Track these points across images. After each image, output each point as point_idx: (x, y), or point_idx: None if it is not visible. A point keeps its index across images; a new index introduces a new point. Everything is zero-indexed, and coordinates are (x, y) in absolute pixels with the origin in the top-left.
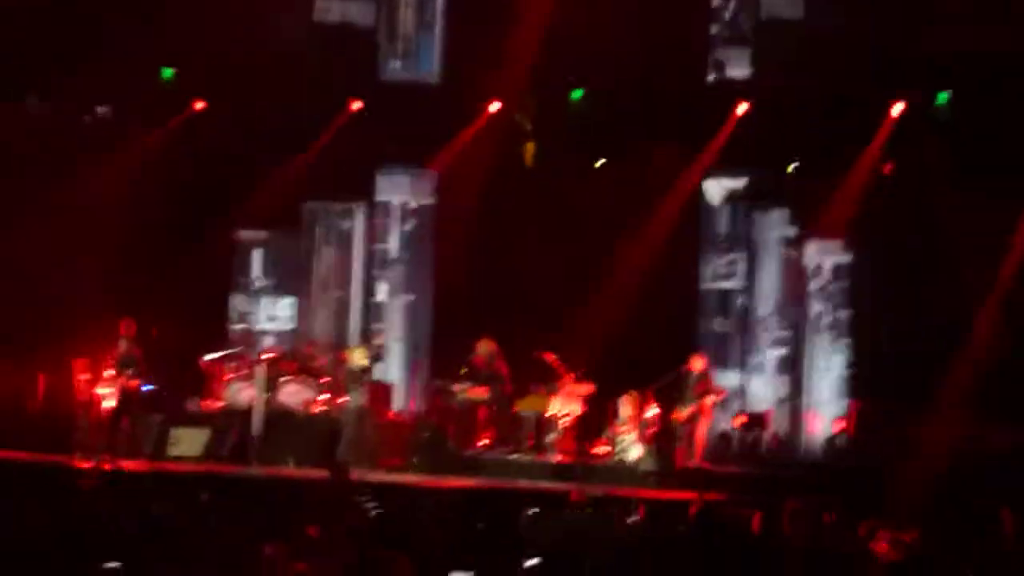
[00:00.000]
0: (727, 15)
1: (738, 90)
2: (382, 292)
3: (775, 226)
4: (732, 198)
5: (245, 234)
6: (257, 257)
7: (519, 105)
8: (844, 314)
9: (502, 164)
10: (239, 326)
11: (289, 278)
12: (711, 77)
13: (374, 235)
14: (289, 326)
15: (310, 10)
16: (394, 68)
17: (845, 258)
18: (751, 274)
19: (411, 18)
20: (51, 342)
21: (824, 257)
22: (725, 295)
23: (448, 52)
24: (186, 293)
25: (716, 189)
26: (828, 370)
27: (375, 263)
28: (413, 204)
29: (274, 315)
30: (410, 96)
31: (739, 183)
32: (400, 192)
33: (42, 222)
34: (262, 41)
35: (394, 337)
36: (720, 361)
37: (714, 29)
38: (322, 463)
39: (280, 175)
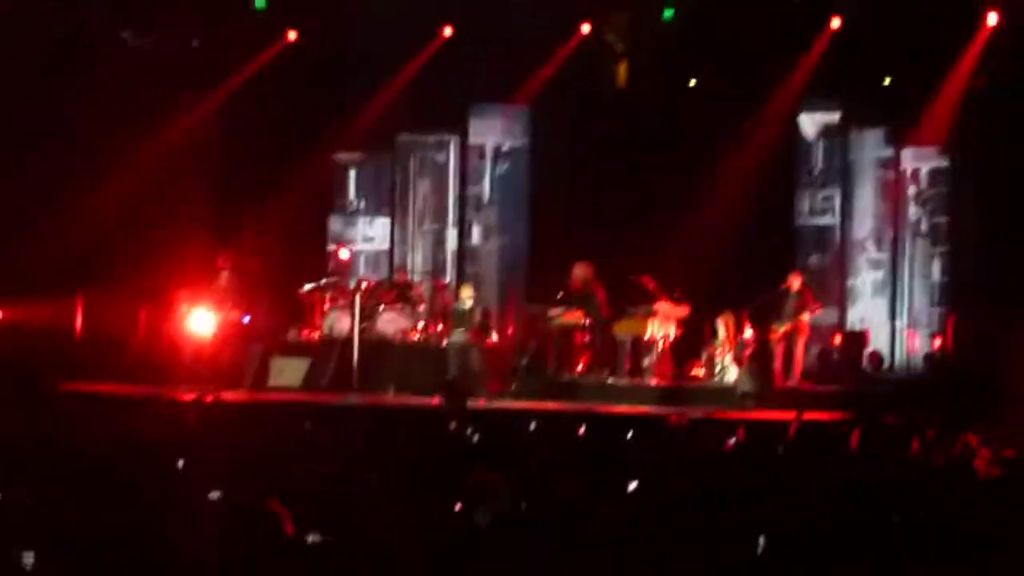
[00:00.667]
0: None
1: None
2: (476, 234)
3: (871, 147)
4: (827, 133)
5: (341, 156)
6: (352, 179)
7: (610, 25)
8: (941, 220)
9: (594, 86)
10: (336, 247)
11: (384, 201)
12: None
13: (467, 177)
14: (384, 246)
15: None
16: None
17: (942, 163)
18: (846, 204)
19: None
20: (152, 275)
21: (921, 163)
22: (821, 230)
23: None
24: (283, 221)
25: (810, 124)
26: (926, 280)
27: (469, 205)
28: (506, 146)
29: (370, 236)
30: (500, 16)
31: (833, 116)
32: (493, 133)
33: (139, 156)
34: None
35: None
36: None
37: None
38: (437, 390)
39: (374, 104)
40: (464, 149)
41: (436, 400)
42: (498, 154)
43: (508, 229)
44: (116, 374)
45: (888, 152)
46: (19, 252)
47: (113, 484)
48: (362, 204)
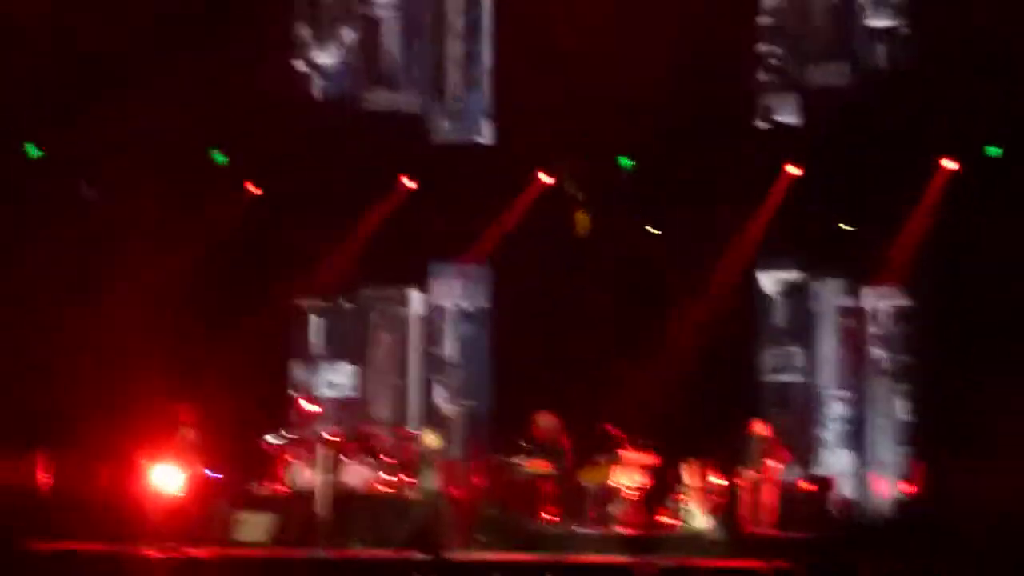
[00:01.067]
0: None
1: (787, 141)
2: (440, 392)
3: (831, 296)
4: (787, 291)
5: (302, 302)
6: (314, 325)
7: (569, 173)
8: (904, 359)
9: (554, 234)
10: (298, 395)
11: (347, 348)
12: (759, 123)
13: (431, 337)
14: (348, 393)
15: (358, 101)
16: (444, 130)
17: (903, 301)
18: (809, 356)
19: (459, 80)
20: (113, 431)
21: (881, 302)
22: (784, 386)
23: (498, 115)
24: (244, 370)
25: (770, 281)
26: (891, 421)
27: (432, 367)
28: (468, 307)
29: (334, 382)
30: (461, 163)
31: (792, 274)
32: (453, 294)
33: (98, 310)
34: (311, 129)
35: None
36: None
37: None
38: (411, 541)
39: (334, 256)
40: (427, 306)
41: (411, 552)
42: (460, 315)
43: (472, 390)
44: (81, 531)
45: (849, 301)
46: None
47: None
48: (324, 351)
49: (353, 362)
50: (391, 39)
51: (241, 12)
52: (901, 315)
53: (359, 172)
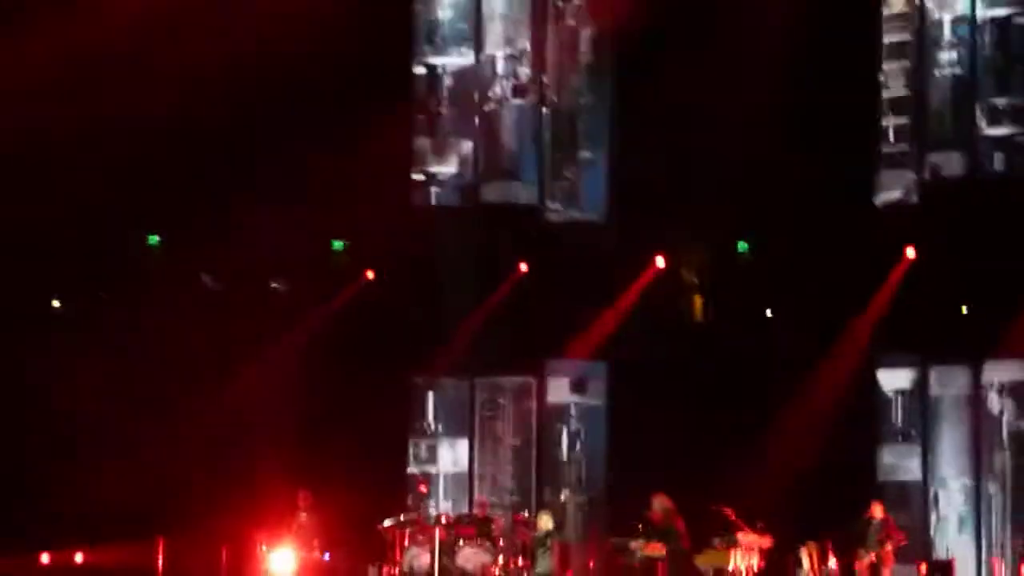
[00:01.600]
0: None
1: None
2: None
3: (951, 385)
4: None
5: (419, 380)
6: (431, 402)
7: (685, 259)
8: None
9: (670, 319)
10: (417, 469)
11: (462, 425)
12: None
13: (543, 437)
14: (464, 469)
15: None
16: (555, 210)
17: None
18: (928, 452)
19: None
20: (232, 516)
21: (1003, 375)
22: (903, 485)
23: (612, 197)
24: (361, 452)
25: (890, 380)
26: (1011, 505)
27: (546, 465)
28: (584, 404)
29: (452, 458)
30: (573, 247)
31: (911, 373)
32: (568, 395)
33: (223, 398)
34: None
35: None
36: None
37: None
38: None
39: (453, 340)
40: (541, 399)
41: None
42: (577, 406)
43: (590, 477)
44: None
45: (968, 387)
46: (100, 495)
47: None
48: (440, 428)
49: (470, 440)
50: (507, 133)
51: (366, 121)
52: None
53: (477, 261)
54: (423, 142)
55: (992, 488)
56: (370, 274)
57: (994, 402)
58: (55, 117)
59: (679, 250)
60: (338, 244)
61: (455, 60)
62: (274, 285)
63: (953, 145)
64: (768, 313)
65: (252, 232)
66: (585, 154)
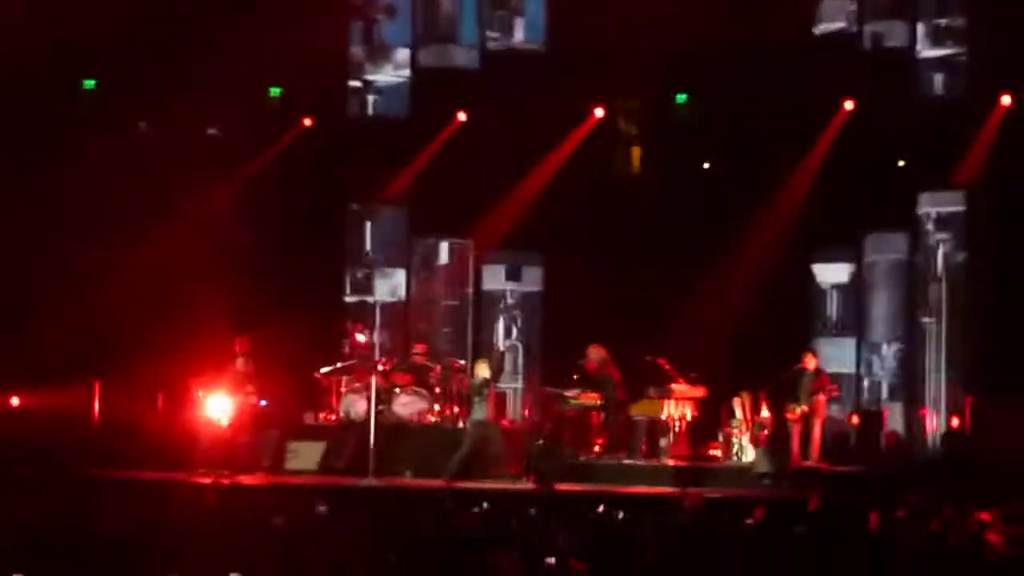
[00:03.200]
0: None
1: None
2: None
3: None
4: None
5: (355, 207)
6: (368, 231)
7: (624, 111)
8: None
9: (608, 171)
10: (353, 298)
11: (398, 252)
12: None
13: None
14: (401, 297)
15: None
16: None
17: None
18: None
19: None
20: (168, 361)
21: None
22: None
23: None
24: (300, 285)
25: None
26: (941, 358)
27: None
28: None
29: (389, 287)
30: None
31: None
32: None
33: (155, 243)
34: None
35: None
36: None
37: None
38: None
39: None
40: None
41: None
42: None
43: (524, 322)
44: (134, 460)
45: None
46: (35, 340)
47: (134, 568)
48: (378, 257)
49: (407, 269)
50: None
51: None
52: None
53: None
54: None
55: (927, 321)
56: (307, 121)
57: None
58: None
59: (617, 101)
60: (275, 90)
61: None
62: (211, 131)
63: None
64: (705, 165)
65: (189, 78)
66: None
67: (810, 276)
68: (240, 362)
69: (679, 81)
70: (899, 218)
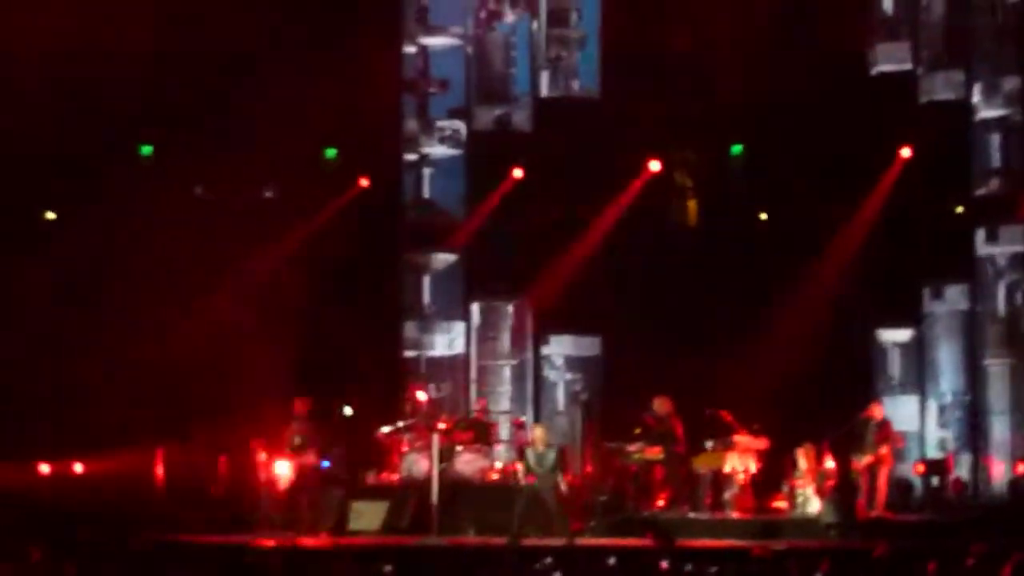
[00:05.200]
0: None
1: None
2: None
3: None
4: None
5: (413, 257)
6: (427, 284)
7: (679, 163)
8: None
9: (665, 223)
10: (412, 353)
11: (456, 306)
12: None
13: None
14: (461, 351)
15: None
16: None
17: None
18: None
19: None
20: (230, 425)
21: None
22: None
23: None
24: (358, 353)
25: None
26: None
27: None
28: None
29: (448, 340)
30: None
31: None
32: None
33: (216, 307)
34: None
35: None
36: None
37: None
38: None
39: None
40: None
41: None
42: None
43: (585, 378)
44: (197, 524)
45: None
46: (97, 404)
47: None
48: (435, 309)
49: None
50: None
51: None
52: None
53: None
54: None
55: (990, 363)
56: (364, 182)
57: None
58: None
59: (672, 153)
60: (331, 152)
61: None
62: (267, 194)
63: None
64: (763, 216)
65: (245, 141)
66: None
67: (871, 333)
68: (299, 423)
69: (735, 132)
70: (959, 266)
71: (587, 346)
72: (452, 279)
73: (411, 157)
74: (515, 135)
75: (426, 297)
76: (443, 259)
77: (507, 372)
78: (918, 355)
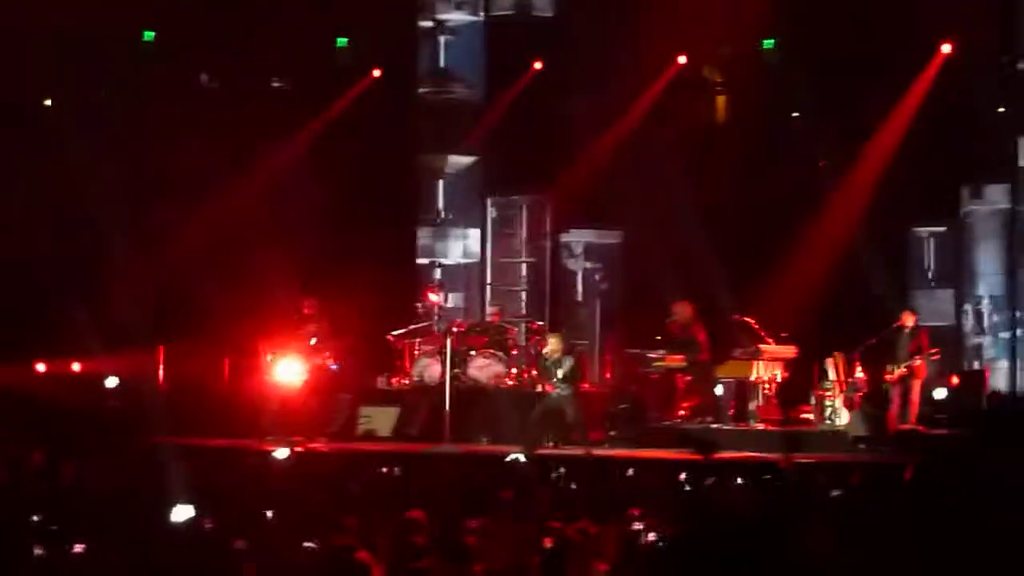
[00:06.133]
0: None
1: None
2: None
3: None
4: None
5: (427, 158)
6: (441, 189)
7: (708, 58)
8: None
9: (692, 120)
10: (426, 260)
11: (472, 211)
12: None
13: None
14: (476, 259)
15: None
16: None
17: None
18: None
19: None
20: (236, 325)
21: None
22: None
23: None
24: (370, 255)
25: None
26: None
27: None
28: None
29: (462, 248)
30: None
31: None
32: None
33: (223, 203)
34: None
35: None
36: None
37: None
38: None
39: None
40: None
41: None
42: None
43: (606, 276)
44: (203, 426)
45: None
46: (100, 305)
47: (205, 536)
48: (450, 216)
49: (481, 229)
50: None
51: None
52: None
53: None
54: None
55: None
56: (376, 72)
57: None
58: None
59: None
60: (342, 40)
61: None
62: (276, 83)
63: None
64: (794, 114)
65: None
66: None
67: (906, 227)
68: (310, 324)
69: (766, 26)
70: (998, 169)
71: (608, 238)
72: (469, 182)
73: (427, 24)
74: (535, 21)
75: (440, 202)
76: (459, 162)
77: (523, 270)
78: (955, 249)
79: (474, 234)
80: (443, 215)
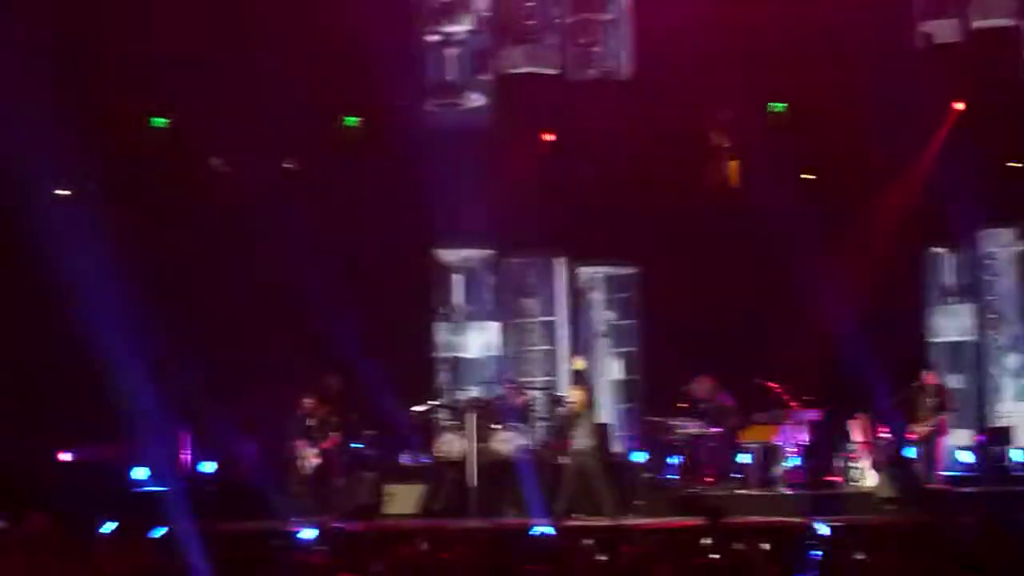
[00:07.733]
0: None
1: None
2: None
3: (1006, 243)
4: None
5: (444, 254)
6: (459, 283)
7: (715, 123)
8: None
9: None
10: (445, 355)
11: (492, 305)
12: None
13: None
14: (496, 353)
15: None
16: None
17: None
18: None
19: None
20: (257, 408)
21: None
22: (955, 346)
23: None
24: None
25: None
26: None
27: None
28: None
29: (481, 342)
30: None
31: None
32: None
33: (235, 283)
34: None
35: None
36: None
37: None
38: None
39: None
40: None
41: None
42: (608, 280)
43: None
44: (227, 510)
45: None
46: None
47: None
48: (469, 310)
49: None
50: None
51: None
52: None
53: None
54: None
55: None
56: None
57: None
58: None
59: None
60: (351, 120)
61: None
62: (286, 164)
63: None
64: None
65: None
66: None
67: (922, 284)
68: (329, 404)
69: (775, 89)
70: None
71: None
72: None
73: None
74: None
75: (457, 298)
76: (475, 256)
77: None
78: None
79: (492, 327)
80: (458, 310)
